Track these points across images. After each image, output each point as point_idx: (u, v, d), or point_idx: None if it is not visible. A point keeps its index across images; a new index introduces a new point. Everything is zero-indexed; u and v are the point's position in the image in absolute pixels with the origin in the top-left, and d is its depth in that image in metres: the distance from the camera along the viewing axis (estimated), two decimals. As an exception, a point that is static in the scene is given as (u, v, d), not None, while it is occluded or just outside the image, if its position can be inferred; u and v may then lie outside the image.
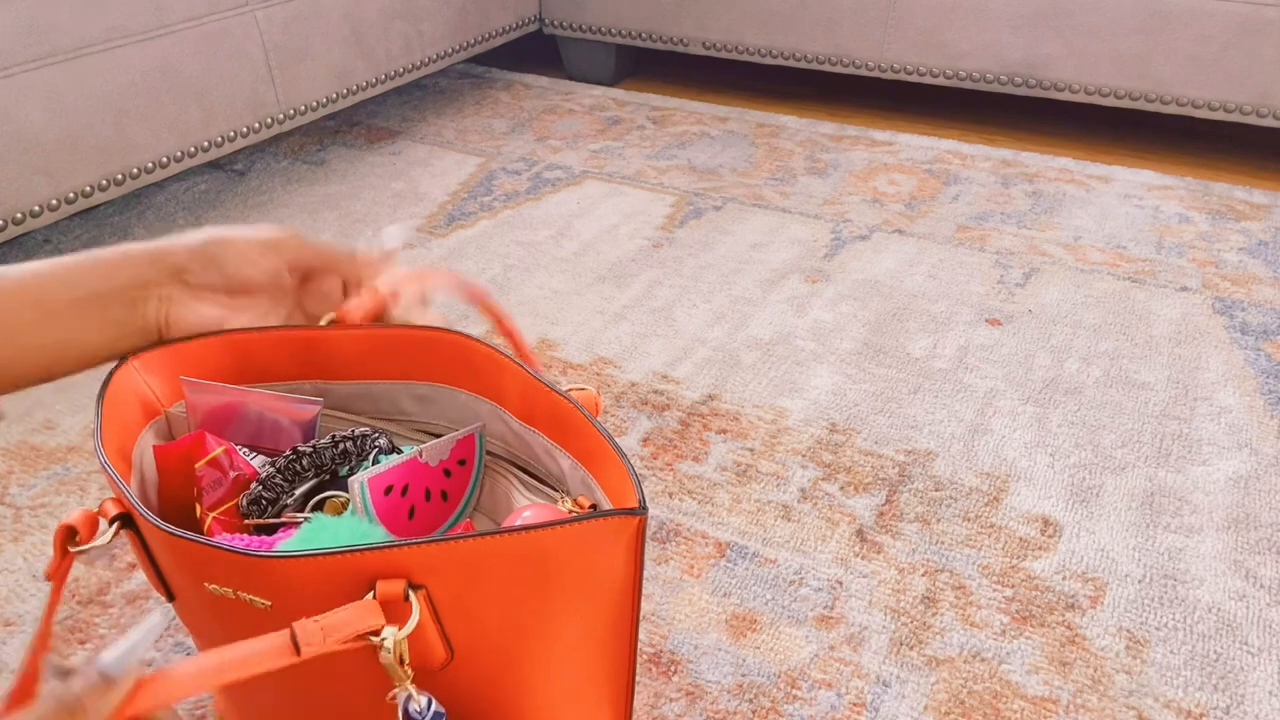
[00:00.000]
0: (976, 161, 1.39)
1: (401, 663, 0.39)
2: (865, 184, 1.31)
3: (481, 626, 0.42)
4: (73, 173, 0.98)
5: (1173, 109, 1.35)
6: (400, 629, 0.39)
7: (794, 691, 0.60)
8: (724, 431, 0.83)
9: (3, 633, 0.64)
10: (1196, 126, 1.56)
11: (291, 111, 1.21)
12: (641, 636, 0.64)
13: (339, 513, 0.52)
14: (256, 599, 0.41)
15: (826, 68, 1.52)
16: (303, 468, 0.53)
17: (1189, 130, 1.55)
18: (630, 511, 0.42)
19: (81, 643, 0.63)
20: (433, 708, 0.41)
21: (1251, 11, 1.25)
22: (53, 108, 0.95)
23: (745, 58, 1.57)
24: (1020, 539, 0.72)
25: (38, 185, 0.95)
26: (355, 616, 0.38)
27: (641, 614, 0.63)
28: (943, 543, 0.72)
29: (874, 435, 0.83)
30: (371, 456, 0.53)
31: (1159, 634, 0.65)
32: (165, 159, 1.07)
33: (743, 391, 0.89)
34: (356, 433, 0.53)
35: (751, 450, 0.81)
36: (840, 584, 0.68)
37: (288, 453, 0.52)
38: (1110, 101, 1.37)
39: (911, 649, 0.63)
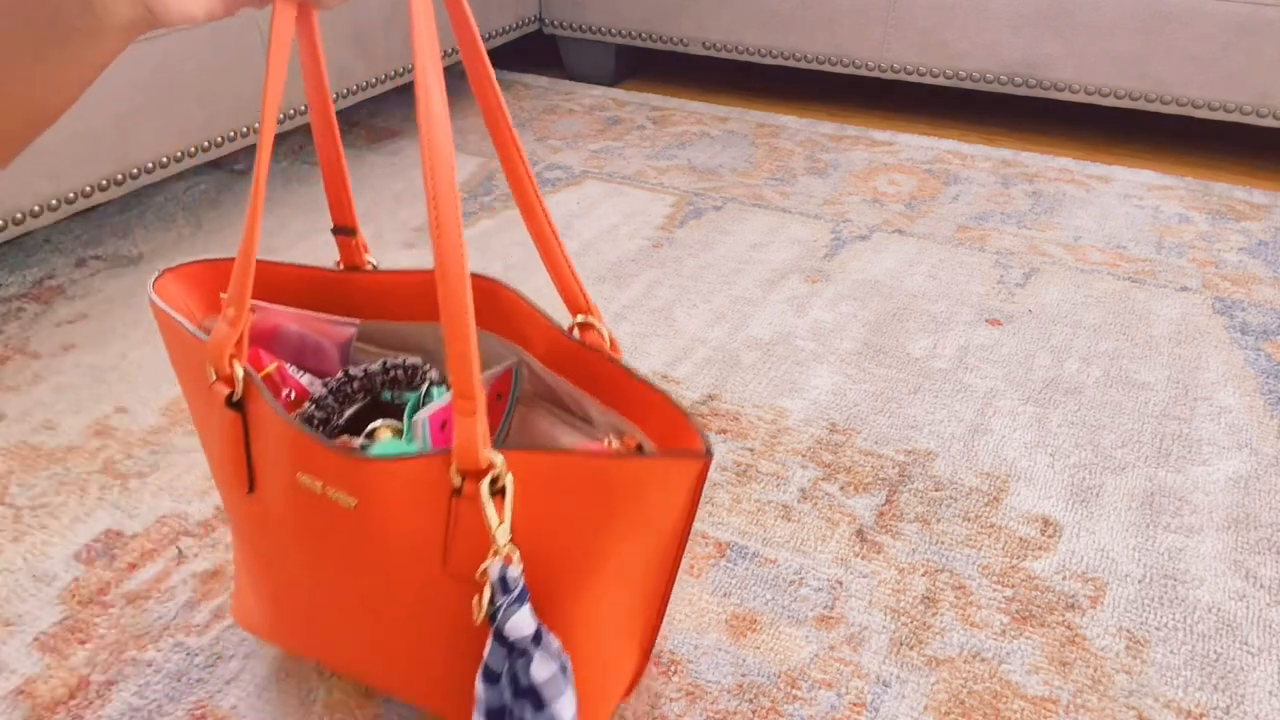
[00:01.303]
0: (976, 161, 1.39)
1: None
2: (865, 184, 1.31)
3: (546, 538, 0.44)
4: (73, 173, 0.98)
5: (1173, 109, 1.35)
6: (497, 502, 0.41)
7: (794, 691, 0.60)
8: (724, 431, 0.83)
9: (3, 633, 0.64)
10: (1196, 126, 1.56)
11: (292, 111, 1.21)
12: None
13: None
14: (344, 496, 0.44)
15: (826, 68, 1.52)
16: (353, 390, 0.56)
17: (1189, 130, 1.55)
18: (697, 454, 0.44)
19: (82, 643, 0.63)
20: (522, 577, 0.42)
21: (1251, 11, 1.25)
22: (53, 108, 0.95)
23: (745, 58, 1.57)
24: (1020, 539, 0.72)
25: (38, 185, 0.95)
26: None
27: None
28: (943, 543, 0.72)
29: (874, 435, 0.83)
30: (424, 389, 0.55)
31: (1159, 634, 0.65)
32: (165, 159, 1.07)
33: (743, 391, 0.89)
34: (408, 363, 0.56)
35: (751, 450, 0.81)
36: (840, 584, 0.68)
37: (339, 375, 0.56)
38: (1110, 101, 1.37)
39: (911, 649, 0.63)
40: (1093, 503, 0.76)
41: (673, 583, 0.51)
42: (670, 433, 0.49)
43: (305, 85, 0.52)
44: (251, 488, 0.49)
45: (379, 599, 0.49)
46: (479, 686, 0.43)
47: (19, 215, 0.94)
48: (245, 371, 0.47)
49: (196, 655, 0.62)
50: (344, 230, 0.57)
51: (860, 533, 0.73)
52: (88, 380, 0.89)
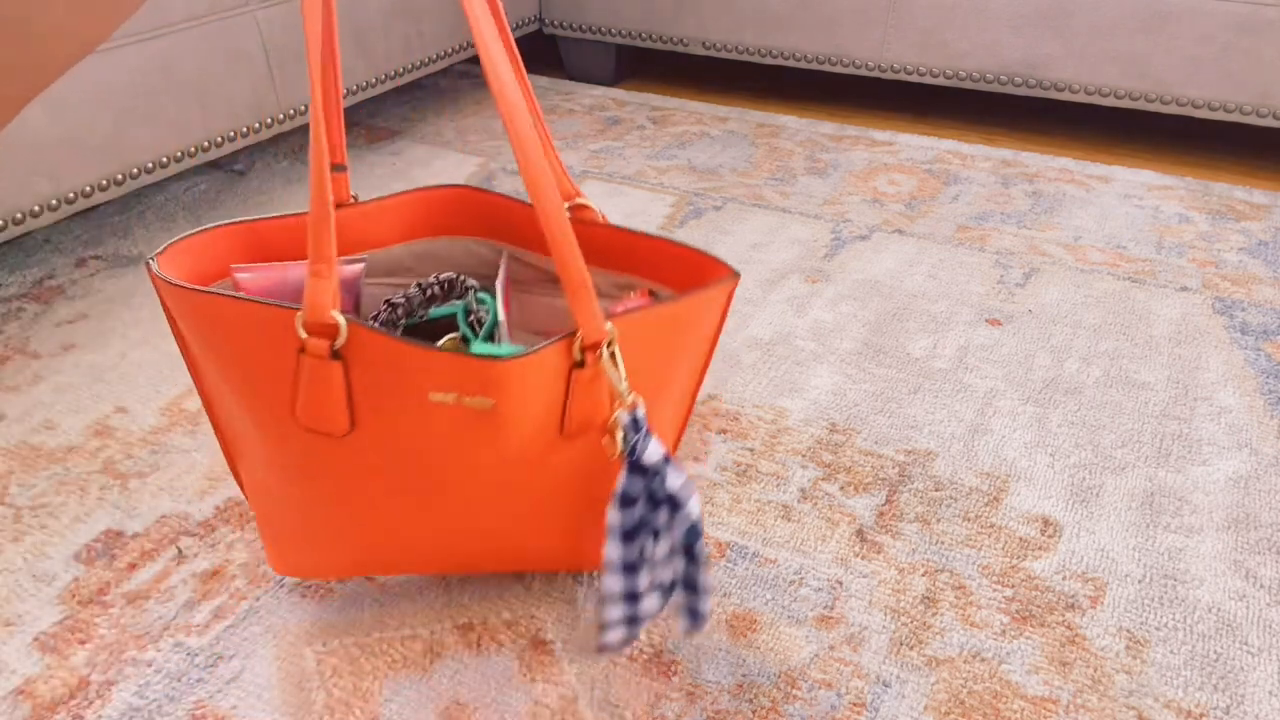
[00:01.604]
0: (976, 161, 1.39)
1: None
2: (865, 184, 1.31)
3: (639, 377, 0.55)
4: (73, 173, 0.98)
5: (1173, 109, 1.35)
6: (615, 364, 0.51)
7: (794, 691, 0.60)
8: (724, 431, 0.83)
9: (3, 633, 0.64)
10: (1196, 126, 1.56)
11: (291, 111, 1.21)
12: (641, 637, 0.64)
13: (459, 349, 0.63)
14: (480, 401, 0.51)
15: (826, 68, 1.52)
16: (397, 316, 0.62)
17: (1189, 130, 1.55)
18: (731, 277, 0.56)
19: (82, 643, 0.63)
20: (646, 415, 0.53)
21: (1251, 11, 1.25)
22: (53, 107, 0.95)
23: (745, 58, 1.57)
24: (1020, 539, 0.72)
25: (38, 185, 0.95)
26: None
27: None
28: (943, 543, 0.72)
29: (874, 435, 0.83)
30: (472, 295, 0.62)
31: (1159, 634, 0.65)
32: (165, 159, 1.07)
33: (743, 391, 0.89)
34: (442, 277, 0.63)
35: (751, 450, 0.81)
36: (840, 584, 0.68)
37: (383, 306, 0.62)
38: (1110, 101, 1.37)
39: (911, 649, 0.63)
40: (1093, 503, 0.76)
41: (703, 380, 0.63)
42: (682, 269, 0.60)
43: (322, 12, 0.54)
44: (351, 426, 0.53)
45: (508, 484, 0.56)
46: (613, 515, 0.52)
47: (19, 215, 0.94)
48: (347, 319, 0.50)
49: (196, 655, 0.62)
50: (335, 167, 0.61)
51: (860, 533, 0.73)
52: (88, 380, 0.89)
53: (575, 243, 0.49)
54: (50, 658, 0.62)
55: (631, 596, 0.55)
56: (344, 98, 1.28)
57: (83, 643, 0.63)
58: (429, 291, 0.62)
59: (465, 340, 0.62)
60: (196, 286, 0.52)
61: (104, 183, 1.01)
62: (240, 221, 0.58)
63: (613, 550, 0.53)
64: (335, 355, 0.50)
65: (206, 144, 1.11)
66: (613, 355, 0.51)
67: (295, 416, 0.53)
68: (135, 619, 0.65)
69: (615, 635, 0.55)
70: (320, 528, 0.60)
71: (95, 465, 0.78)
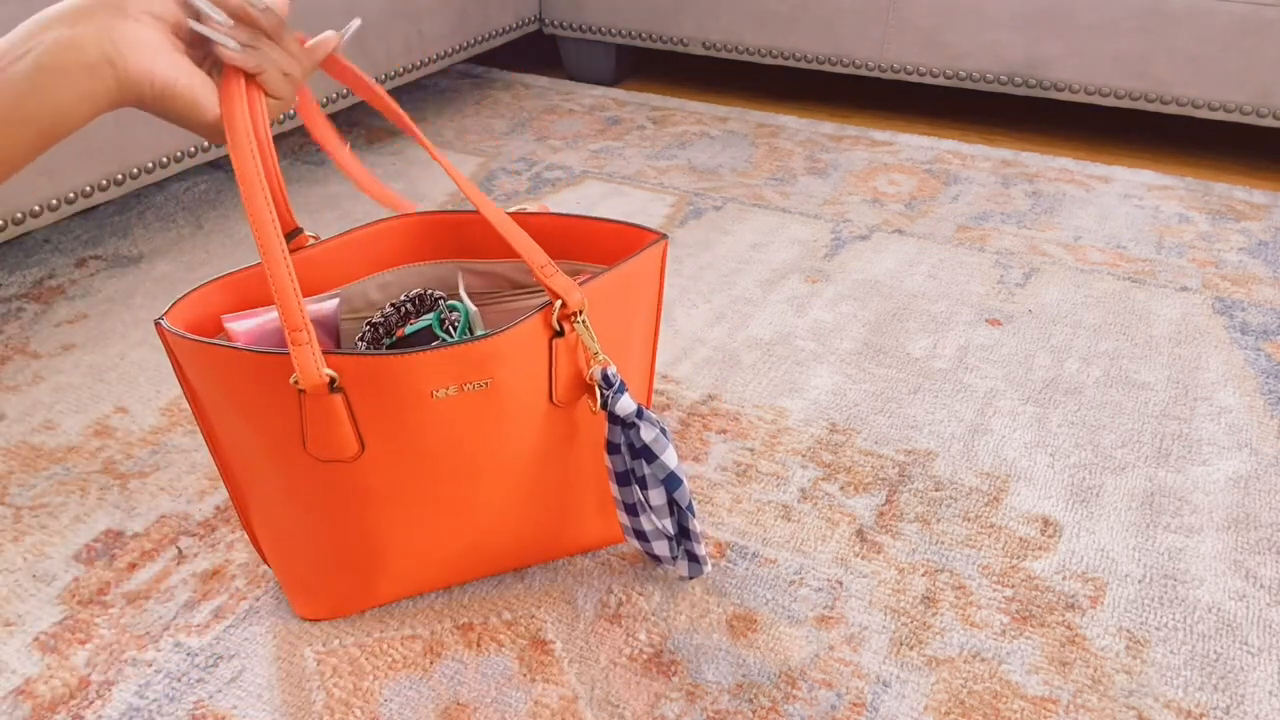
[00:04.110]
0: (976, 161, 1.39)
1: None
2: (865, 184, 1.31)
3: (602, 337, 0.60)
4: (73, 173, 0.98)
5: (1173, 109, 1.35)
6: (584, 319, 0.57)
7: (794, 691, 0.60)
8: (724, 431, 0.83)
9: (3, 633, 0.64)
10: (1196, 126, 1.56)
11: (291, 111, 1.21)
12: (641, 637, 0.64)
13: None
14: (478, 383, 0.55)
15: (826, 68, 1.52)
16: (380, 335, 0.66)
17: (1189, 130, 1.55)
18: (659, 239, 0.64)
19: (82, 643, 0.63)
20: (619, 373, 0.60)
21: (1251, 11, 1.25)
22: (53, 108, 0.95)
23: (745, 58, 1.57)
24: (1020, 539, 0.72)
25: (38, 185, 0.95)
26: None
27: (641, 613, 0.66)
28: (943, 543, 0.72)
29: (874, 435, 0.83)
30: (442, 304, 0.67)
31: (1159, 634, 0.65)
32: (165, 159, 1.07)
33: (743, 391, 0.89)
34: (413, 294, 0.67)
35: (751, 450, 0.81)
36: (840, 584, 0.68)
37: (365, 327, 0.66)
38: (1110, 101, 1.37)
39: (911, 649, 0.63)
40: (1093, 503, 0.76)
41: (656, 347, 0.69)
42: (615, 243, 0.66)
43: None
44: (361, 449, 0.56)
45: (517, 466, 0.61)
46: (606, 459, 0.60)
47: (19, 215, 0.94)
48: (337, 354, 0.53)
49: (196, 655, 0.62)
50: (291, 233, 0.64)
51: (860, 533, 0.73)
52: (88, 380, 0.89)
53: (524, 232, 0.58)
54: (50, 658, 0.62)
55: (640, 534, 0.63)
56: (344, 98, 1.28)
57: (83, 643, 0.63)
58: (403, 309, 0.66)
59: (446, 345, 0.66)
60: (205, 339, 0.54)
61: (104, 183, 1.01)
62: (222, 276, 0.61)
63: (613, 490, 0.62)
64: (335, 388, 0.53)
65: (207, 144, 1.11)
66: (584, 321, 0.57)
67: (306, 450, 0.56)
68: (135, 619, 0.65)
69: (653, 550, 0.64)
70: (347, 557, 0.61)
71: (95, 465, 0.78)
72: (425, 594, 0.67)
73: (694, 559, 0.65)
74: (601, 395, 0.58)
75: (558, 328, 0.57)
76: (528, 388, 0.58)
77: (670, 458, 0.59)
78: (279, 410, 0.55)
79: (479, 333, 0.65)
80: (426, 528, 0.61)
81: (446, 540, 0.62)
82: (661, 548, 0.64)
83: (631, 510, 0.62)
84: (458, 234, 0.70)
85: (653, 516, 0.61)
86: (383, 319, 0.66)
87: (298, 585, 0.64)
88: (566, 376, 0.59)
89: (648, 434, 0.59)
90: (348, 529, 0.60)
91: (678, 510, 0.62)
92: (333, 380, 0.53)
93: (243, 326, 0.60)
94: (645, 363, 0.69)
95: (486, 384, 0.56)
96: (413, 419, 0.55)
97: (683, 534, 0.63)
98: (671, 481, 0.60)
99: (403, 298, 0.66)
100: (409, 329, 0.65)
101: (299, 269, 0.65)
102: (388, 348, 0.65)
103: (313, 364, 0.52)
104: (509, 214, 0.67)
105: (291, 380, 0.52)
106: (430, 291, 0.67)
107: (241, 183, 0.51)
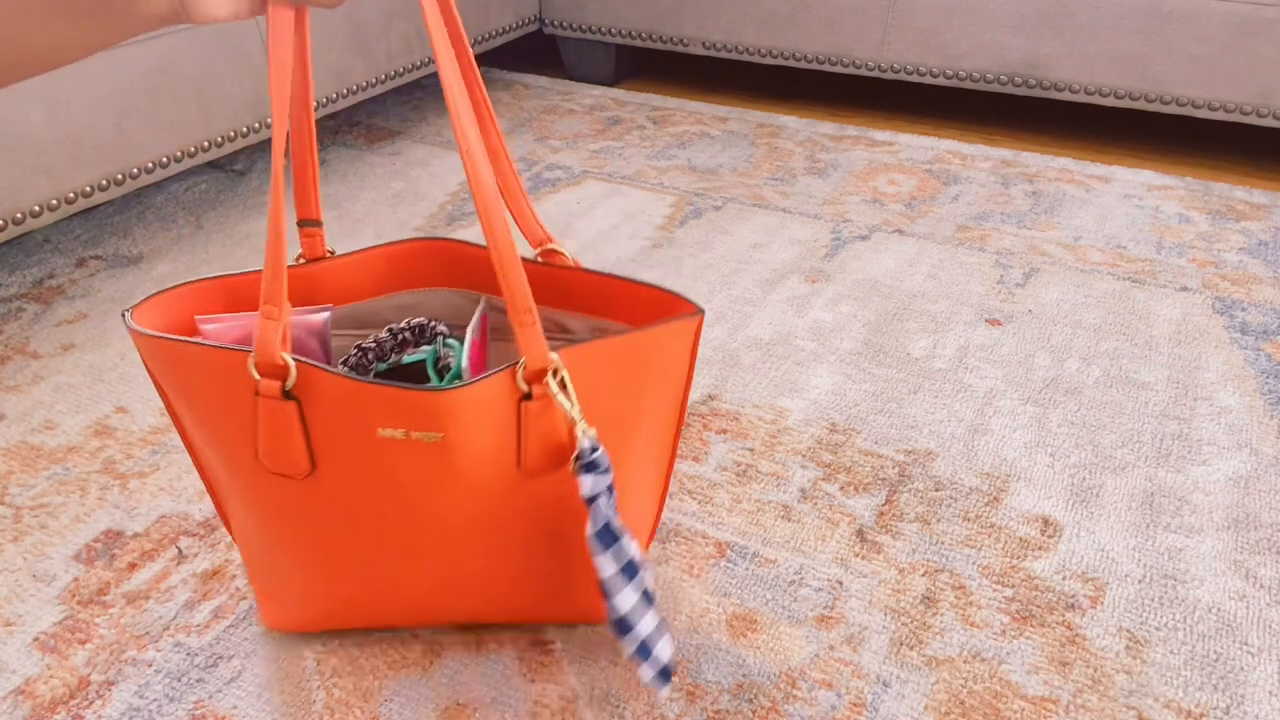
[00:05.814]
0: (976, 161, 1.39)
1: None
2: (865, 184, 1.31)
3: (594, 411, 0.54)
4: (73, 173, 0.98)
5: (1173, 109, 1.35)
6: (561, 390, 0.51)
7: (794, 691, 0.60)
8: (724, 431, 0.83)
9: (3, 633, 0.64)
10: (1196, 126, 1.56)
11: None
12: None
13: None
14: (428, 435, 0.51)
15: (826, 68, 1.52)
16: (369, 360, 0.62)
17: (1189, 130, 1.55)
18: (693, 312, 0.55)
19: (82, 643, 0.63)
20: (598, 443, 0.52)
21: (1251, 11, 1.25)
22: (53, 108, 0.95)
23: (745, 58, 1.57)
24: (1020, 539, 0.72)
25: (38, 185, 0.95)
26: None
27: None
28: (943, 543, 0.72)
29: (874, 435, 0.83)
30: (440, 341, 0.62)
31: (1159, 634, 0.65)
32: (165, 159, 1.07)
33: (743, 391, 0.89)
34: (413, 323, 0.63)
35: (751, 450, 0.81)
36: (840, 584, 0.68)
37: (353, 350, 0.62)
38: (1110, 101, 1.37)
39: (911, 649, 0.63)
40: (1093, 503, 0.76)
41: (679, 437, 0.62)
42: (651, 310, 0.59)
43: (293, 77, 0.53)
44: (311, 468, 0.53)
45: (473, 525, 0.55)
46: (589, 508, 0.52)
47: (19, 215, 0.94)
48: (295, 360, 0.50)
49: (196, 655, 0.62)
50: (309, 223, 0.60)
51: (860, 533, 0.73)
52: (88, 380, 0.89)
53: (522, 270, 0.49)
54: (50, 658, 0.62)
55: (620, 623, 0.52)
56: (344, 97, 1.28)
57: (83, 643, 0.63)
58: (400, 336, 0.63)
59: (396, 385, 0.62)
60: (163, 334, 0.52)
61: (104, 183, 1.01)
62: (215, 277, 0.59)
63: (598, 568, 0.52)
64: (288, 395, 0.51)
65: (206, 144, 1.11)
66: (562, 384, 0.51)
67: (259, 460, 0.53)
68: (135, 619, 0.65)
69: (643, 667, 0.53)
70: (298, 576, 0.59)
71: (95, 465, 0.78)
72: (398, 629, 0.64)
73: (661, 671, 0.52)
74: (574, 465, 0.52)
75: (525, 389, 0.51)
76: (486, 449, 0.52)
77: (607, 569, 0.50)
78: (237, 414, 0.52)
79: (449, 382, 0.60)
80: (383, 564, 0.58)
81: (407, 579, 0.59)
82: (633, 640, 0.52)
83: (623, 624, 0.52)
84: (487, 269, 0.65)
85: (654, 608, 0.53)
86: (374, 344, 0.62)
87: (263, 593, 0.62)
88: (540, 446, 0.53)
89: (591, 527, 0.50)
90: (299, 547, 0.57)
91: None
92: (286, 379, 0.50)
93: (215, 328, 0.58)
94: (657, 449, 0.61)
95: (439, 437, 0.51)
96: (358, 449, 0.52)
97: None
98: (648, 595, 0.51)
99: (403, 324, 0.63)
100: (407, 358, 0.62)
101: (318, 278, 0.62)
102: (379, 373, 0.63)
103: (274, 343, 0.49)
104: (542, 251, 0.62)
105: (249, 363, 0.50)
106: (432, 323, 0.63)
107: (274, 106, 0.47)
